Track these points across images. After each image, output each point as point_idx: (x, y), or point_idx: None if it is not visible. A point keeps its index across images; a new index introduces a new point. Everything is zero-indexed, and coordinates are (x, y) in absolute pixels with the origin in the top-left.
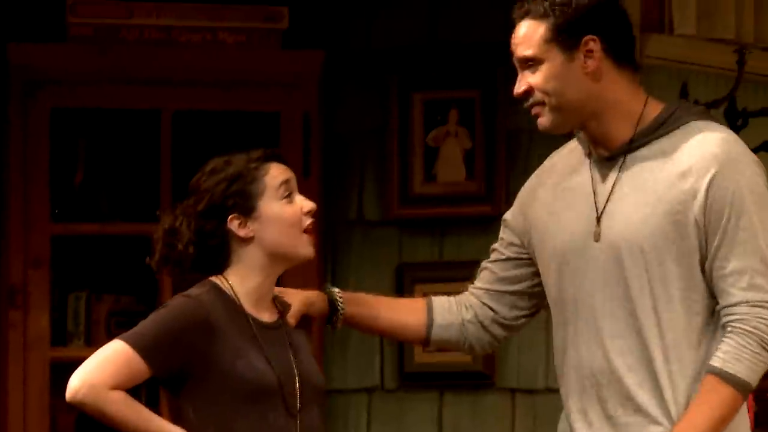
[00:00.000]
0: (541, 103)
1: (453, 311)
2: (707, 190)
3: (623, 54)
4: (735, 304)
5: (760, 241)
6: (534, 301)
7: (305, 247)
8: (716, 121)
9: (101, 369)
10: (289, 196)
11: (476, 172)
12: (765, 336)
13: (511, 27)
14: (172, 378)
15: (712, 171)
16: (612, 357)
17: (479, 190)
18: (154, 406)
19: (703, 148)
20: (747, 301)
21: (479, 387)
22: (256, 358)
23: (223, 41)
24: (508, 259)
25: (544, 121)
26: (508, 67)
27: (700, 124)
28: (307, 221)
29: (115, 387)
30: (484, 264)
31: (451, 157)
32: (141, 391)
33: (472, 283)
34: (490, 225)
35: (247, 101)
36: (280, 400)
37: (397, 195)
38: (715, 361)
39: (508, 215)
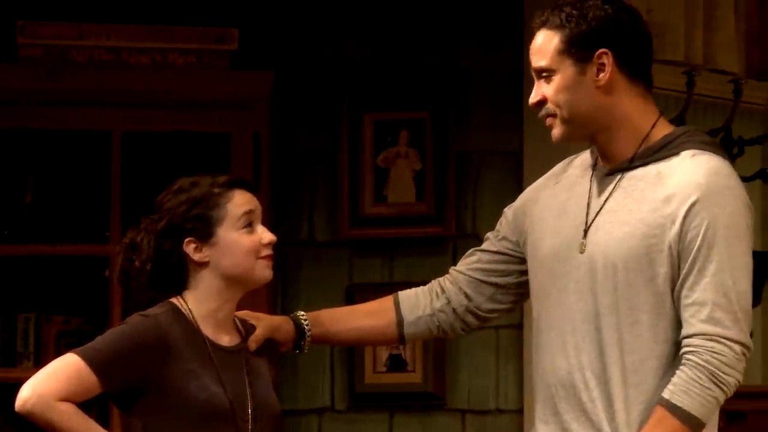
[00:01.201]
0: (554, 115)
1: (421, 304)
2: (684, 218)
3: (637, 69)
4: (692, 335)
5: (727, 277)
6: (513, 297)
7: (262, 270)
8: (725, 152)
9: (51, 380)
10: (250, 226)
11: (426, 193)
12: (716, 371)
13: (460, 50)
14: (123, 394)
15: (692, 200)
16: (573, 370)
17: (429, 211)
18: (104, 422)
19: (691, 176)
20: (703, 334)
21: (429, 408)
22: (209, 381)
23: (173, 62)
24: (498, 252)
25: (556, 132)
26: (457, 88)
27: (698, 152)
28: (265, 252)
29: (65, 399)
30: (473, 250)
31: (401, 178)
32: (92, 406)
33: (455, 265)
34: (441, 246)
35: (198, 122)
36: (231, 424)
37: (347, 216)
38: (665, 392)
39: (508, 209)
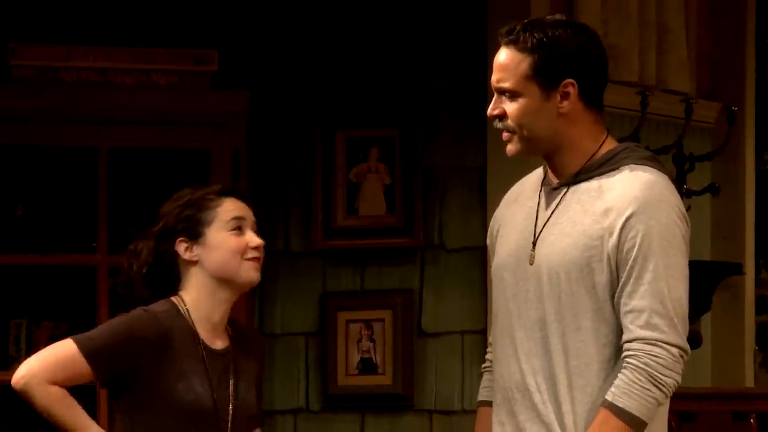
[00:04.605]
0: (512, 131)
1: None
2: (621, 230)
3: (595, 98)
4: (631, 341)
5: (663, 285)
6: None
7: (248, 272)
8: (663, 166)
9: (45, 363)
10: (239, 230)
11: (396, 206)
12: (655, 373)
13: (428, 71)
14: (113, 384)
15: (629, 212)
16: (525, 374)
17: (398, 223)
18: (92, 413)
19: (628, 189)
20: (642, 339)
21: (399, 409)
22: (198, 383)
23: (156, 82)
24: None
25: (512, 148)
26: (425, 107)
27: (638, 167)
28: (252, 254)
29: (56, 382)
30: None
31: (372, 192)
32: (78, 397)
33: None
34: (409, 256)
35: (179, 139)
36: (214, 424)
37: (321, 228)
38: (608, 395)
39: (488, 238)
